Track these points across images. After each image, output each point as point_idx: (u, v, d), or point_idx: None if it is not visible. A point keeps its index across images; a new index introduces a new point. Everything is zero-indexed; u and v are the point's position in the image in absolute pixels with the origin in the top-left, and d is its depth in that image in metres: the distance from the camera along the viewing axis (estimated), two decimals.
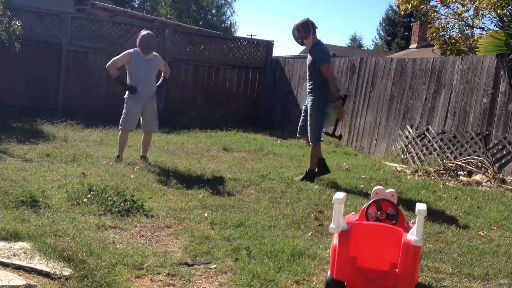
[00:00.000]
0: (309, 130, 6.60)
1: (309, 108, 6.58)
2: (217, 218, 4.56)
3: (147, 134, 7.21)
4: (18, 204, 4.38)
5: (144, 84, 6.96)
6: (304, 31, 6.36)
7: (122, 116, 7.05)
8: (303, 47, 9.29)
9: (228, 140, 10.16)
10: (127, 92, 7.02)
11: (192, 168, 6.91)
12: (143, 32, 6.99)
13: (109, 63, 7.02)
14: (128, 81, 7.03)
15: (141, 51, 6.92)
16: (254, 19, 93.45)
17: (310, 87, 6.56)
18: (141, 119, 7.14)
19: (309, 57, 6.58)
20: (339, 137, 6.93)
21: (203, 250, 3.78)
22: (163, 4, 37.91)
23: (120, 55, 7.04)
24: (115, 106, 11.89)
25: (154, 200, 5.12)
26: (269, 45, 13.96)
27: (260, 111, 13.88)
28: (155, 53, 7.15)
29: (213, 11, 40.52)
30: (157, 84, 7.19)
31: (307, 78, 6.65)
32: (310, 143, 6.63)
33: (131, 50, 7.05)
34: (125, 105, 7.04)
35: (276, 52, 43.65)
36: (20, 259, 3.25)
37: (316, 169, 6.65)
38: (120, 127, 7.09)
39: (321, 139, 6.69)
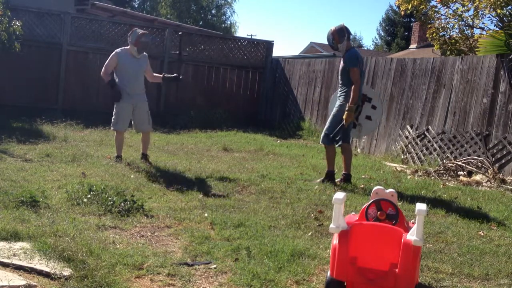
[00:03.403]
0: (326, 128, 6.63)
1: (334, 108, 6.62)
2: (217, 218, 4.56)
3: (145, 134, 7.15)
4: (18, 204, 4.38)
5: (134, 84, 6.88)
6: (339, 36, 6.47)
7: (113, 117, 6.98)
8: (303, 48, 9.29)
9: (228, 140, 10.16)
10: None
11: (192, 168, 6.91)
12: (140, 31, 6.86)
13: (102, 71, 6.93)
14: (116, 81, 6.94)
15: (136, 51, 6.83)
16: (254, 19, 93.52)
17: (341, 91, 6.60)
18: (132, 119, 7.06)
19: (341, 62, 6.63)
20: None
21: (203, 250, 3.78)
22: (163, 4, 37.93)
23: (109, 58, 6.91)
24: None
25: (154, 200, 5.12)
26: (269, 45, 13.95)
27: (260, 111, 13.88)
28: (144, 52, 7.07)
29: (213, 11, 40.55)
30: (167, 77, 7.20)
31: (339, 83, 6.70)
32: (320, 142, 6.71)
33: (118, 50, 6.95)
34: (115, 106, 6.97)
35: (276, 52, 43.73)
36: (20, 259, 3.25)
37: (342, 177, 6.64)
38: (112, 129, 7.08)
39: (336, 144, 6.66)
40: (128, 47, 6.93)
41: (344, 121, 6.40)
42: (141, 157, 7.07)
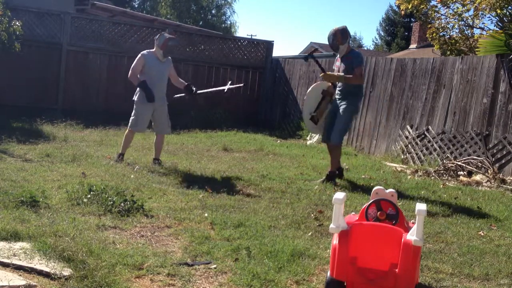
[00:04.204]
0: (334, 130, 6.66)
1: (341, 111, 6.61)
2: (217, 218, 4.55)
3: (160, 136, 7.09)
4: (18, 204, 4.37)
5: (158, 86, 6.85)
6: (342, 37, 6.52)
7: (132, 118, 6.91)
8: (303, 48, 9.37)
9: (228, 140, 10.16)
10: (137, 94, 6.87)
11: (192, 168, 6.90)
12: (167, 35, 6.90)
13: (129, 74, 6.87)
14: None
15: (161, 54, 6.83)
16: (254, 19, 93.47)
17: (342, 92, 6.62)
18: (152, 122, 7.05)
19: (341, 64, 6.64)
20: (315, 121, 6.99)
21: (203, 250, 3.78)
22: (163, 4, 37.91)
23: (136, 60, 6.88)
24: (115, 106, 11.92)
25: (154, 200, 5.12)
26: (269, 45, 13.95)
27: (260, 111, 13.88)
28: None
29: (213, 11, 40.53)
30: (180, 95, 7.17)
31: (338, 84, 6.70)
32: (332, 142, 6.69)
33: (145, 52, 6.93)
34: (135, 107, 6.91)
35: (276, 52, 43.70)
36: (20, 259, 3.25)
37: (325, 178, 6.75)
38: (129, 129, 6.94)
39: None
40: (154, 49, 6.92)
41: (322, 76, 6.63)
42: (153, 162, 6.90)
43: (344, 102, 6.59)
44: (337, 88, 6.72)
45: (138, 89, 6.89)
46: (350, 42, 6.72)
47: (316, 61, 7.04)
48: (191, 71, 12.94)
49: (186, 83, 7.33)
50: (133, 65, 6.91)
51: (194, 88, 7.35)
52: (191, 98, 12.12)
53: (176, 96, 7.26)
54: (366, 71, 10.43)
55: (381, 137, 9.91)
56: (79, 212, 4.46)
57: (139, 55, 6.90)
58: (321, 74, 6.71)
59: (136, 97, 6.92)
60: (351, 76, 6.46)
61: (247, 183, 6.17)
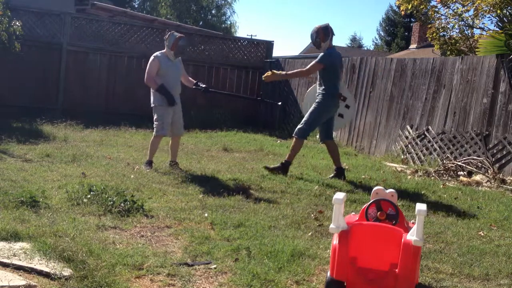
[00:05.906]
0: (302, 122, 6.82)
1: (314, 104, 6.77)
2: (217, 218, 4.55)
3: (176, 138, 6.98)
4: (18, 204, 4.37)
5: (175, 88, 6.73)
6: (324, 34, 6.62)
7: (157, 123, 6.68)
8: (303, 48, 9.44)
9: (228, 140, 10.16)
10: (156, 98, 6.67)
11: (192, 168, 6.90)
12: (177, 35, 6.70)
13: (145, 77, 6.66)
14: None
15: (173, 54, 6.67)
16: (254, 19, 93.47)
17: (319, 89, 6.77)
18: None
19: None
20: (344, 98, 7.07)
21: (203, 250, 3.78)
22: (163, 4, 37.90)
23: (150, 62, 6.67)
24: (115, 106, 11.95)
25: (154, 200, 5.12)
26: (269, 45, 13.96)
27: (260, 111, 13.87)
28: None
29: (213, 12, 40.55)
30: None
31: (317, 81, 6.84)
32: (295, 135, 6.83)
33: (158, 54, 6.73)
34: (157, 112, 6.68)
35: (276, 52, 43.62)
36: (20, 259, 3.25)
37: (334, 173, 6.90)
38: (157, 134, 6.71)
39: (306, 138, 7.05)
40: (164, 50, 6.74)
41: (264, 77, 6.80)
42: (170, 164, 6.78)
43: (316, 100, 6.77)
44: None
45: (153, 92, 6.69)
46: (332, 40, 6.75)
47: (215, 91, 7.26)
48: (191, 72, 12.87)
49: (195, 81, 7.23)
50: (148, 68, 6.68)
51: (203, 86, 7.20)
52: (190, 98, 12.12)
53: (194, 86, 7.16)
54: (366, 71, 10.44)
55: (381, 137, 9.91)
56: (79, 212, 4.46)
57: (153, 58, 6.69)
58: (263, 76, 6.89)
59: (156, 101, 6.68)
60: (290, 72, 6.64)
61: (247, 183, 6.16)
